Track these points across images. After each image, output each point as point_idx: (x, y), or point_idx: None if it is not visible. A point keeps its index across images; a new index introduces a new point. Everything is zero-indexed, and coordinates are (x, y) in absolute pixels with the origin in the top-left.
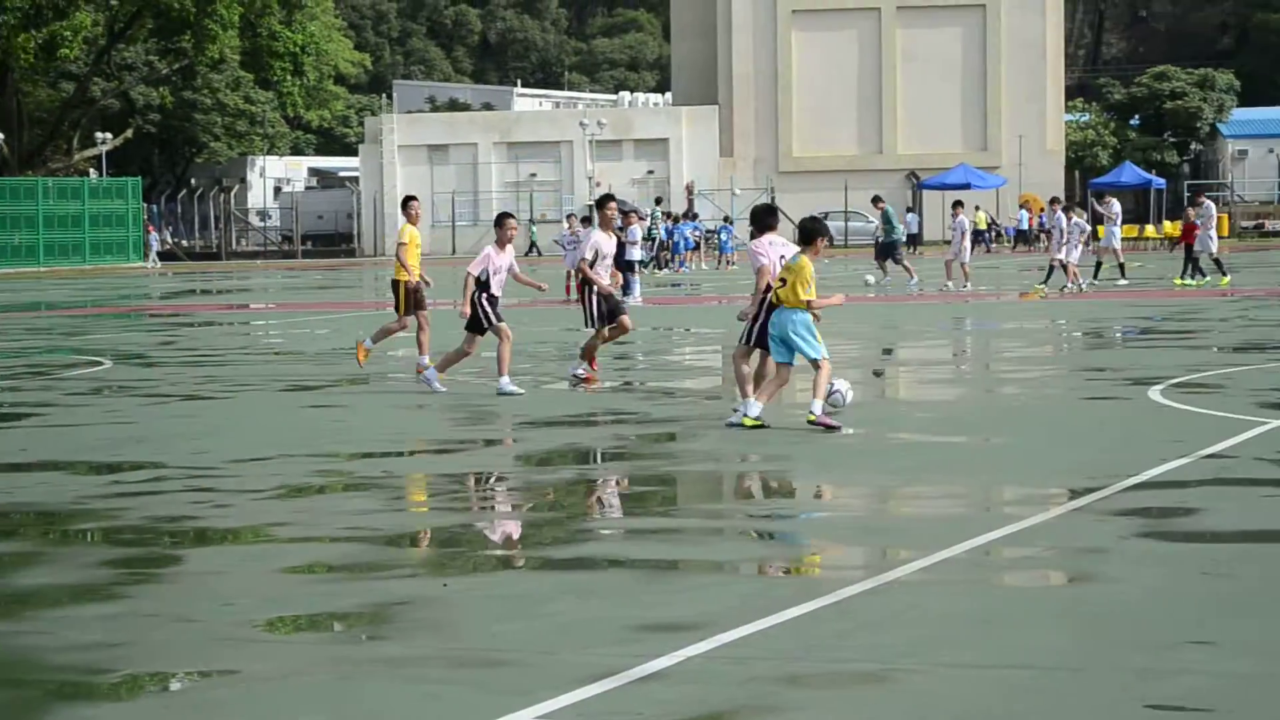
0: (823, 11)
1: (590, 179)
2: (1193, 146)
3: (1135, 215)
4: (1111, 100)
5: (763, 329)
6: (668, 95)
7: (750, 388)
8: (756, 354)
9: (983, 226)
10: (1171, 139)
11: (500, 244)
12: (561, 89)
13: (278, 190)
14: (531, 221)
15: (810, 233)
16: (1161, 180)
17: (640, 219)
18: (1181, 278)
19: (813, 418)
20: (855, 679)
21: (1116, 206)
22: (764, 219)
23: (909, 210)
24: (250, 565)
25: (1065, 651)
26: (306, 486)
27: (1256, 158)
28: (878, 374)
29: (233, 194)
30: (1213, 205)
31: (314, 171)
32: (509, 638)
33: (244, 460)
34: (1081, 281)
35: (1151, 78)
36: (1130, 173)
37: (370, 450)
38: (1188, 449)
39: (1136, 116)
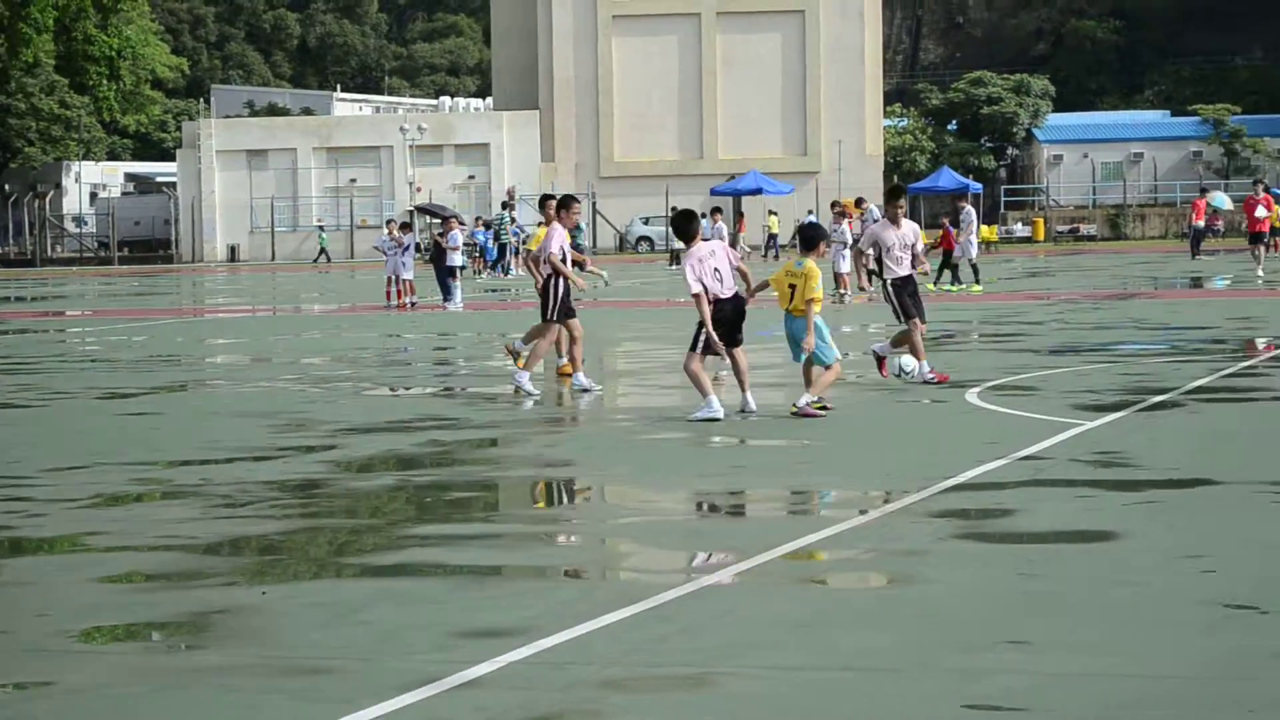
0: (643, 17)
1: (411, 184)
2: (1009, 151)
3: (953, 219)
4: (929, 105)
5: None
6: (489, 100)
7: (710, 384)
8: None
9: (775, 231)
10: (988, 144)
11: (565, 226)
12: (382, 94)
13: (94, 196)
14: (320, 228)
15: (813, 240)
16: (979, 185)
17: (460, 224)
18: (935, 284)
19: (795, 409)
20: (674, 683)
21: (971, 213)
22: (684, 229)
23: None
24: (66, 575)
25: (883, 652)
26: (123, 495)
27: (1071, 163)
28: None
29: (48, 200)
30: (973, 211)
31: (131, 177)
32: (329, 646)
33: (59, 469)
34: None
35: (968, 83)
36: (948, 177)
37: (188, 458)
38: (1004, 451)
39: (954, 121)
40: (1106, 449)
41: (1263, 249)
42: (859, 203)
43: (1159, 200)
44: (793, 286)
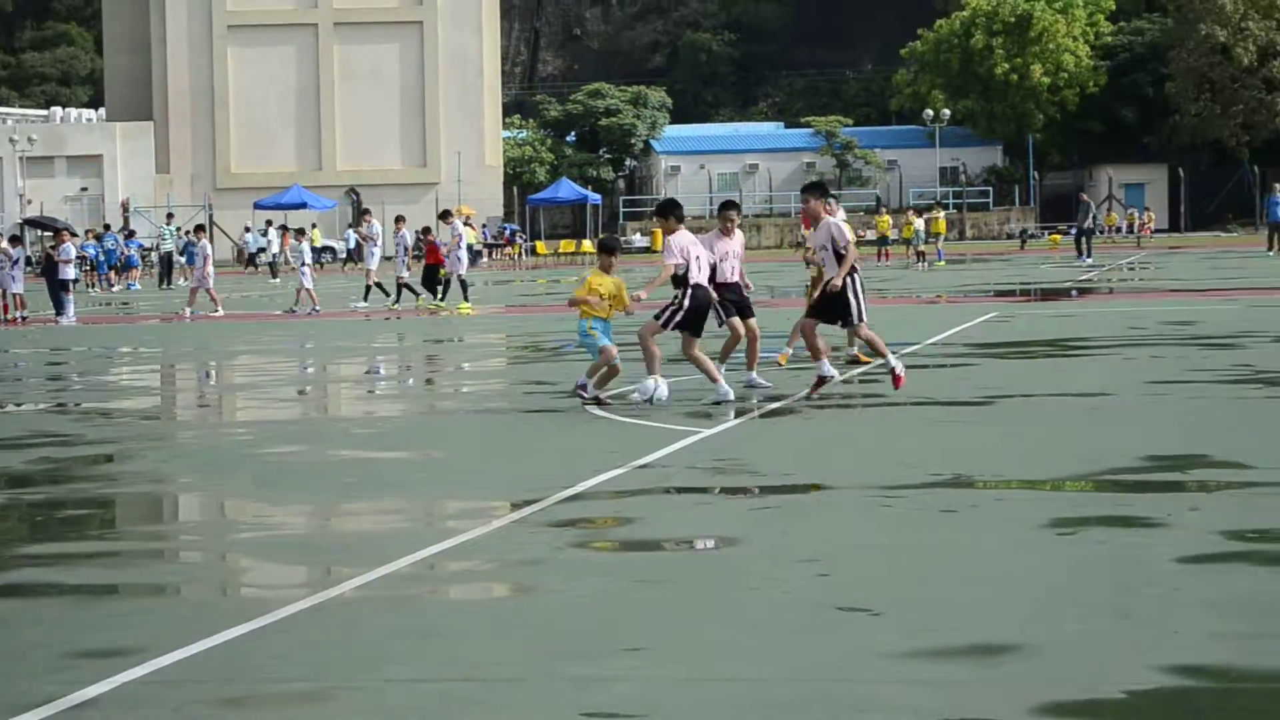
0: (260, 27)
1: (21, 196)
2: (628, 162)
3: (573, 231)
4: (548, 117)
5: (689, 315)
6: (101, 111)
7: (659, 365)
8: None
9: (318, 244)
10: (607, 155)
11: (724, 233)
12: None
13: None
14: None
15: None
16: (598, 196)
17: (73, 236)
18: (417, 301)
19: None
20: (294, 699)
21: (376, 228)
22: (669, 212)
23: (349, 225)
24: None
25: (504, 662)
26: None
27: (689, 174)
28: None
29: None
30: (461, 225)
31: None
32: None
33: None
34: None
35: (587, 95)
36: (567, 188)
37: None
38: (622, 459)
39: (573, 133)
40: (724, 455)
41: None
42: (444, 215)
43: (774, 210)
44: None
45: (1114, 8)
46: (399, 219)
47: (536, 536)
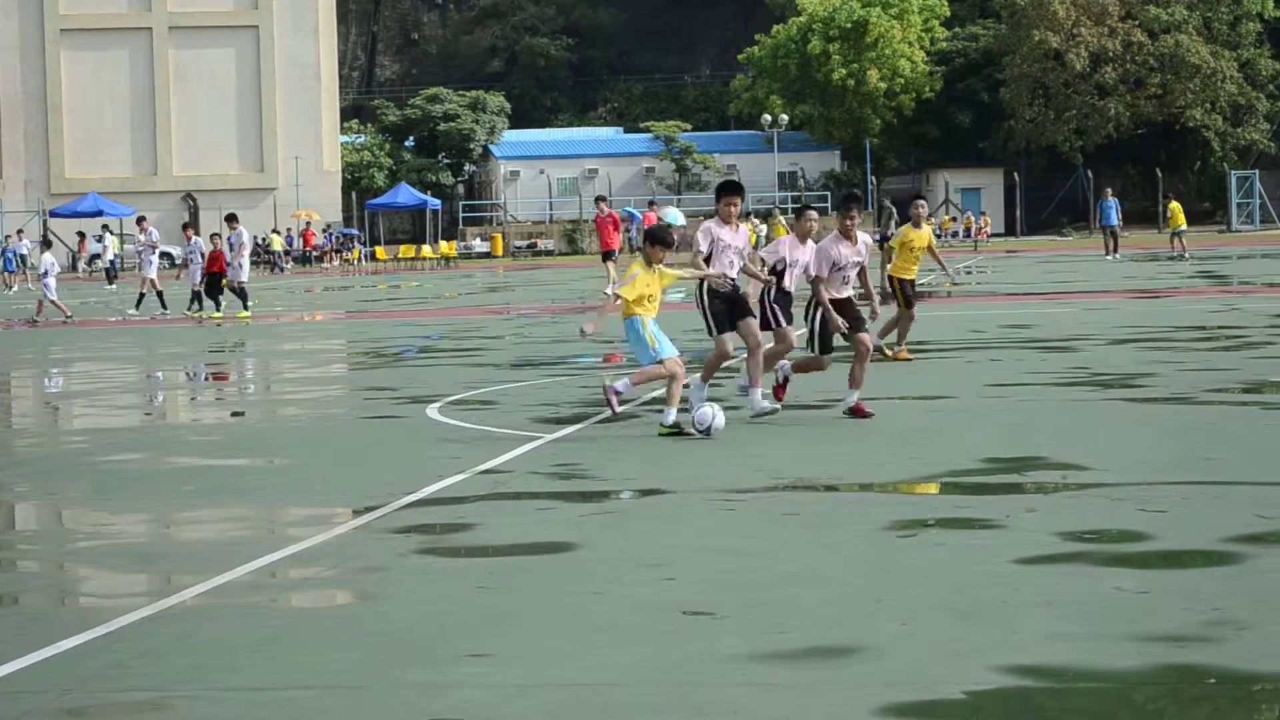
0: (93, 31)
1: None
2: (467, 167)
3: (413, 236)
4: (386, 122)
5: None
6: None
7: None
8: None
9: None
10: (446, 160)
11: (801, 237)
12: None
13: None
14: None
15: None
16: (437, 201)
17: None
18: (189, 310)
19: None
20: (134, 708)
21: (154, 234)
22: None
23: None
24: None
25: (347, 670)
26: None
27: (528, 178)
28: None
29: None
30: (245, 232)
31: None
32: None
33: None
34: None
35: (425, 100)
36: (406, 194)
37: None
38: (464, 465)
39: (411, 138)
40: (565, 461)
41: (611, 266)
42: (231, 219)
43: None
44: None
45: (949, 14)
46: (230, 218)
47: (379, 543)
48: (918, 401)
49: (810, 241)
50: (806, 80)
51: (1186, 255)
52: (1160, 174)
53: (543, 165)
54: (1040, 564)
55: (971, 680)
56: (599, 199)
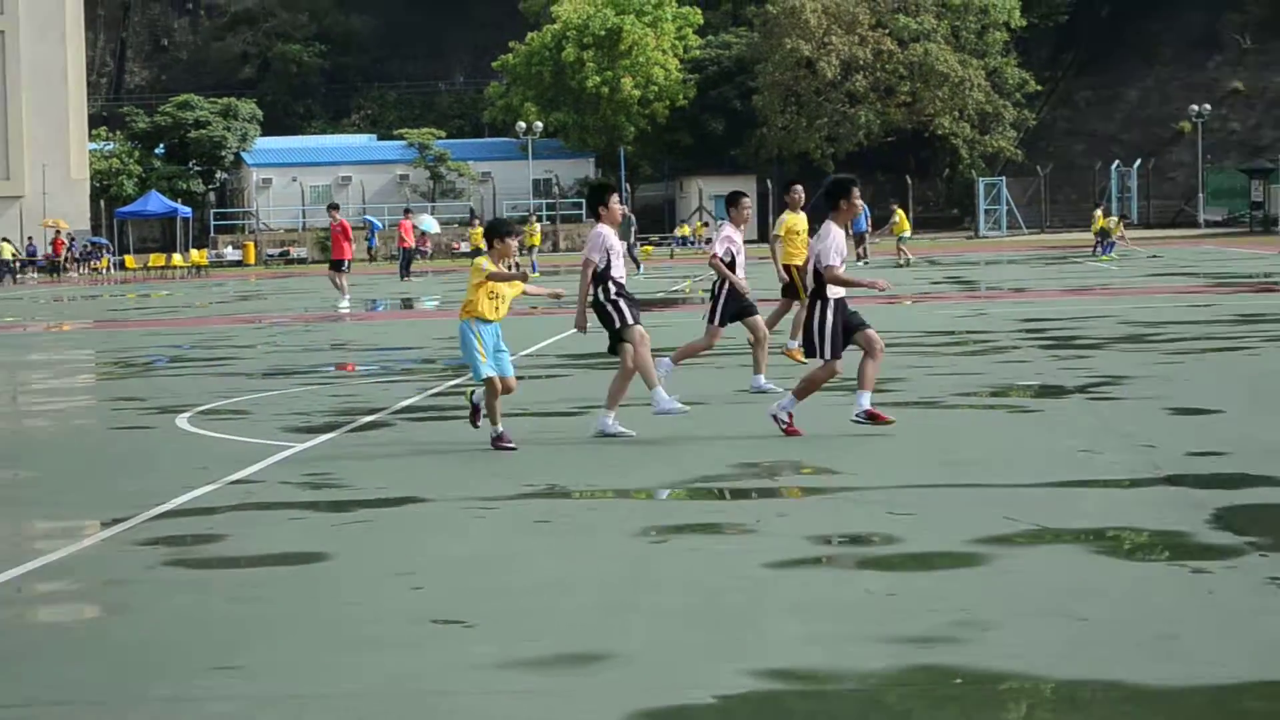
0: None
1: None
2: (218, 175)
3: (163, 244)
4: (136, 129)
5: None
6: None
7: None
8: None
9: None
10: (197, 167)
11: (737, 223)
12: None
13: None
14: None
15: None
16: (188, 209)
17: None
18: None
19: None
20: None
21: None
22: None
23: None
24: None
25: (93, 684)
26: None
27: (280, 186)
28: None
29: None
30: None
31: None
32: None
33: None
34: None
35: (175, 106)
36: (156, 201)
37: None
38: (215, 475)
39: (161, 145)
40: (317, 470)
41: (341, 278)
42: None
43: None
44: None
45: (702, 22)
46: None
47: (127, 555)
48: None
49: (835, 227)
50: (561, 88)
51: (909, 262)
52: (910, 181)
53: (295, 173)
54: (790, 567)
55: (722, 684)
56: (331, 206)
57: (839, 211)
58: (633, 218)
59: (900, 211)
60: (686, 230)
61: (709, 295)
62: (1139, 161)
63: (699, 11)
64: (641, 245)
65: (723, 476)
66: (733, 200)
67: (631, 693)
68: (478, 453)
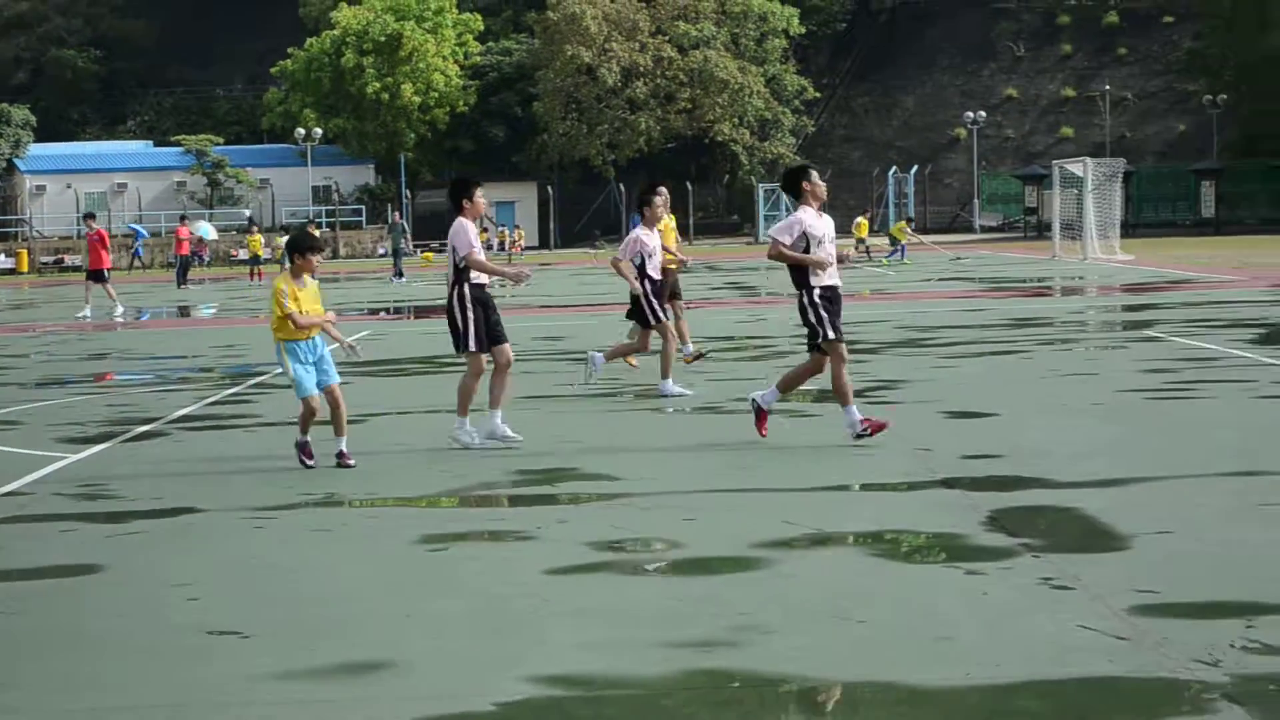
0: None
1: None
2: None
3: None
4: None
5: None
6: None
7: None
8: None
9: None
10: None
11: (649, 224)
12: None
13: None
14: None
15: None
16: None
17: None
18: None
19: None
20: None
21: None
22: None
23: None
24: None
25: None
26: None
27: (55, 193)
28: None
29: None
30: None
31: None
32: None
33: None
34: None
35: None
36: None
37: None
38: None
39: None
40: (91, 481)
41: (106, 287)
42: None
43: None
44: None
45: (483, 28)
46: None
47: None
48: (448, 415)
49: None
50: (340, 94)
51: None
52: (691, 187)
53: (70, 180)
54: (571, 574)
55: (502, 691)
56: (87, 216)
57: (803, 195)
58: (404, 224)
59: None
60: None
61: (633, 303)
62: (916, 167)
63: (479, 18)
64: (423, 252)
65: (503, 483)
66: (644, 201)
67: (412, 701)
68: (254, 462)
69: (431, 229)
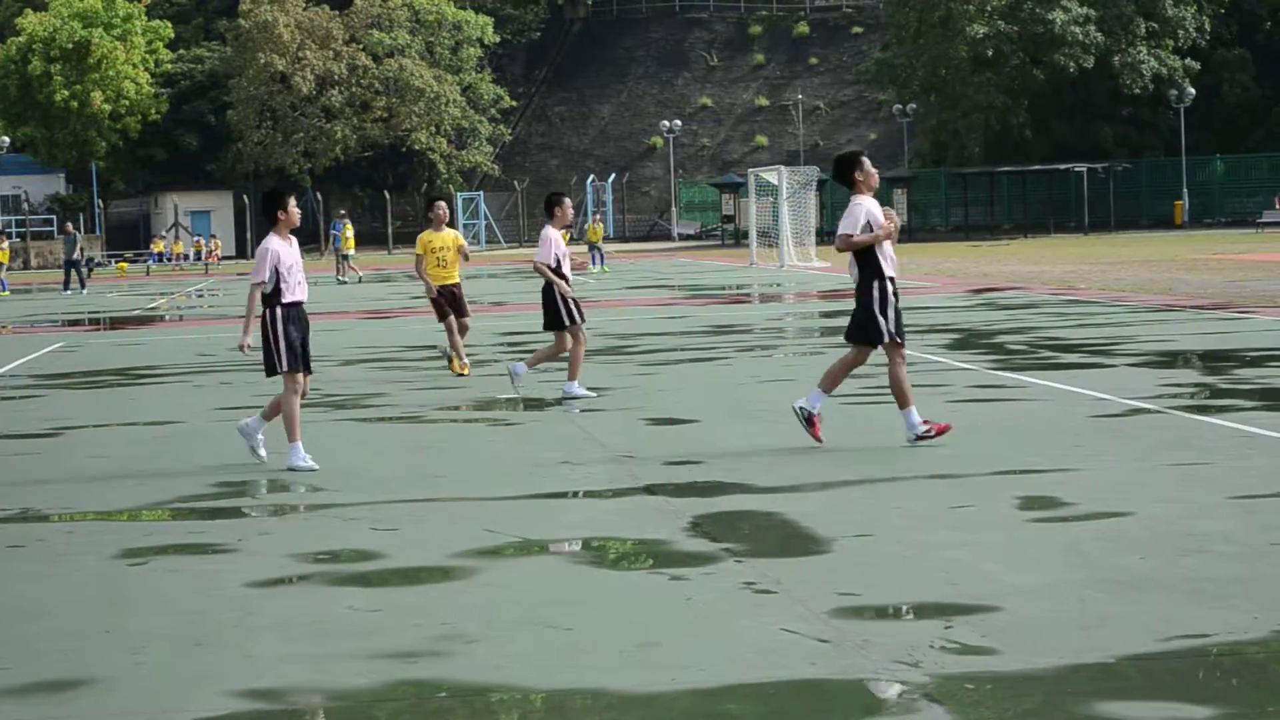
0: None
1: None
2: None
3: None
4: None
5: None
6: None
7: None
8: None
9: None
10: None
11: (559, 226)
12: None
13: None
14: None
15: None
16: None
17: None
18: None
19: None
20: None
21: None
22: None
23: None
24: None
25: None
26: None
27: None
28: None
29: None
30: None
31: None
32: None
33: None
34: None
35: None
36: None
37: None
38: None
39: None
40: None
41: None
42: None
43: None
44: None
45: (173, 36)
46: None
47: None
48: (149, 427)
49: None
50: (28, 102)
51: (355, 279)
52: (389, 195)
53: None
54: (273, 586)
55: (203, 707)
56: None
57: (856, 185)
58: (77, 235)
59: (349, 226)
60: (161, 246)
61: (544, 302)
62: (614, 176)
63: (170, 25)
64: (117, 262)
65: (203, 495)
66: (556, 202)
67: (111, 719)
68: None
69: (124, 239)
